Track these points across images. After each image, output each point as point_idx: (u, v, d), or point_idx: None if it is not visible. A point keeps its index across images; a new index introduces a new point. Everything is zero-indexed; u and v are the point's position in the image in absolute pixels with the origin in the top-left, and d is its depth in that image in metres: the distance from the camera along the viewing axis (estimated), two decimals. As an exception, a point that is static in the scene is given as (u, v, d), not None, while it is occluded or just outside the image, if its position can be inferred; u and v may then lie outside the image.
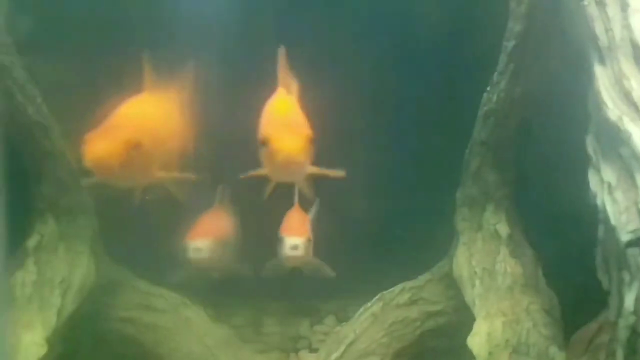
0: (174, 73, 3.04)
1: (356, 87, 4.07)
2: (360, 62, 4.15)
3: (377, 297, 3.78)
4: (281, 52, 2.61)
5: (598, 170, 2.50)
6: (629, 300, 2.16)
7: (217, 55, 3.75)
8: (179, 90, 3.06)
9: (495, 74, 3.41)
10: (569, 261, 3.27)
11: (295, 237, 2.96)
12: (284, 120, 2.13)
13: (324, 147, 2.31)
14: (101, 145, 2.28)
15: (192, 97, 3.08)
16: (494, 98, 3.44)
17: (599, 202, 2.44)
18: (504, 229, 3.50)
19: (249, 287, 4.21)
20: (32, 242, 3.43)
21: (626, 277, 2.20)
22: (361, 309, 3.80)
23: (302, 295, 4.47)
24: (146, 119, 2.59)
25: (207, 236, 3.27)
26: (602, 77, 2.54)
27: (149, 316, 3.76)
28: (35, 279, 3.32)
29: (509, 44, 3.36)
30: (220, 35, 3.94)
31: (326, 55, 3.92)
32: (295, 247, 2.92)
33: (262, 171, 2.32)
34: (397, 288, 3.81)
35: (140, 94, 2.77)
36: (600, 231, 2.43)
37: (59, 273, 3.39)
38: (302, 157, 2.01)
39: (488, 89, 3.43)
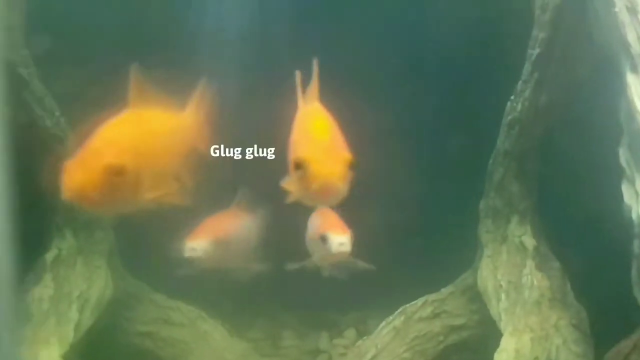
0: (187, 88, 2.85)
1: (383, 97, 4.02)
2: (391, 67, 4.08)
3: (399, 310, 3.71)
4: (316, 64, 2.37)
5: (632, 183, 2.43)
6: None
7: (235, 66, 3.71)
8: (194, 106, 2.84)
9: (520, 82, 3.36)
10: (598, 275, 3.19)
11: (341, 234, 2.95)
12: (323, 141, 1.94)
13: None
14: (79, 174, 2.03)
15: (208, 114, 2.89)
16: (518, 107, 3.38)
17: (634, 215, 2.37)
18: (529, 241, 3.43)
19: (266, 297, 4.16)
20: (50, 256, 3.41)
21: (665, 294, 2.13)
22: (383, 323, 3.73)
23: (320, 306, 4.41)
24: (132, 138, 2.23)
25: (204, 236, 3.22)
26: (634, 85, 2.47)
27: (167, 330, 3.73)
28: (53, 294, 3.29)
29: (534, 52, 3.30)
30: (233, 45, 3.92)
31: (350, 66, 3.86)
32: (342, 244, 2.93)
33: (294, 195, 2.10)
34: (420, 301, 3.74)
35: (127, 109, 2.46)
36: (636, 246, 2.36)
37: (77, 287, 3.36)
38: (343, 185, 1.82)
39: (512, 97, 3.37)
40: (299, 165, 1.85)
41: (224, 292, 4.06)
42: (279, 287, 4.39)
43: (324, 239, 2.96)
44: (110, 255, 3.58)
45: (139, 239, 3.91)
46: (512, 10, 3.54)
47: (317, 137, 1.97)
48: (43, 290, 3.28)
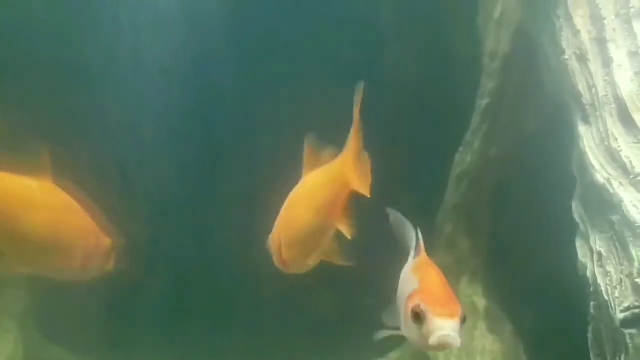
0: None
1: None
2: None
3: (343, 377, 3.54)
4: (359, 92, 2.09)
5: (587, 239, 2.35)
6: (630, 389, 1.97)
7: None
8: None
9: (469, 133, 3.30)
10: (553, 338, 3.08)
11: (448, 317, 1.81)
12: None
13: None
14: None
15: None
16: (468, 159, 3.32)
17: (589, 274, 2.27)
18: (481, 302, 3.32)
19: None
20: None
21: (624, 360, 2.02)
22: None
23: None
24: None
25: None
26: (586, 136, 2.42)
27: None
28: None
29: (483, 102, 3.26)
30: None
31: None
32: (447, 334, 1.80)
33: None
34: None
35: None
36: (592, 307, 2.26)
37: (-19, 354, 3.10)
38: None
39: (461, 149, 3.30)
40: (418, 317, 1.81)
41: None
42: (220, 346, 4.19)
43: (418, 318, 1.84)
44: (23, 318, 3.32)
45: (59, 299, 3.68)
46: (460, 58, 3.51)
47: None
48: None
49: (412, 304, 1.83)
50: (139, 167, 3.99)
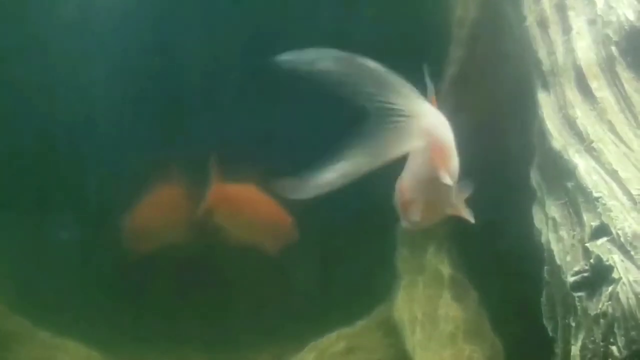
0: None
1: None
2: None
3: (309, 346, 3.63)
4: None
5: (543, 206, 2.44)
6: (575, 350, 2.07)
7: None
8: None
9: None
10: (514, 305, 3.19)
11: None
12: None
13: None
14: None
15: None
16: (435, 128, 3.38)
17: (543, 239, 2.37)
18: (446, 270, 3.42)
19: (169, 333, 4.02)
20: None
21: (572, 323, 2.12)
22: (293, 360, 3.64)
23: (231, 343, 4.29)
24: None
25: None
26: (546, 104, 2.50)
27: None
28: None
29: (451, 70, 3.33)
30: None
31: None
32: None
33: None
34: (332, 335, 3.67)
35: None
36: (546, 272, 2.36)
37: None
38: None
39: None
40: None
41: (118, 328, 3.89)
42: (185, 322, 4.27)
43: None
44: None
45: (22, 268, 3.73)
46: (429, 25, 3.56)
47: None
48: None
49: None
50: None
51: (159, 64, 4.08)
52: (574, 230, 2.22)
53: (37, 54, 3.96)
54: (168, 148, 4.00)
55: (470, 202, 3.48)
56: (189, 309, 4.28)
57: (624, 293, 1.92)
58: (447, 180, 1.94)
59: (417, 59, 3.72)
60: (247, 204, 3.69)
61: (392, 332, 3.51)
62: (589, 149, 2.27)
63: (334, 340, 3.66)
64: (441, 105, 3.33)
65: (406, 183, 1.93)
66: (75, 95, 4.02)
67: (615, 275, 1.96)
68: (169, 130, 4.11)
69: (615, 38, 2.34)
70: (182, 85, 4.20)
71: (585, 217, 2.16)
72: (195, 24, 4.12)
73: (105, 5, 3.95)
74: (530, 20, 2.58)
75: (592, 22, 2.42)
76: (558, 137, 2.38)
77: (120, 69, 4.01)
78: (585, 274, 2.10)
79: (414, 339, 3.28)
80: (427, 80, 2.04)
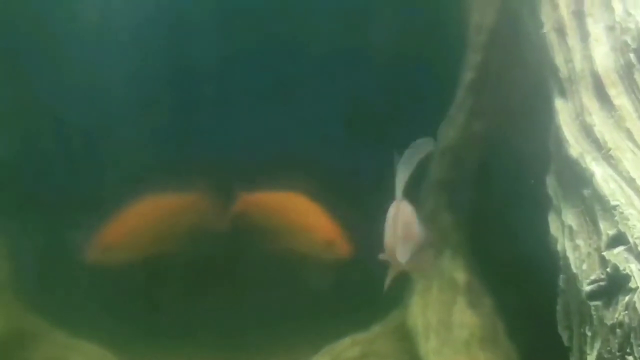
0: None
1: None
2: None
3: (322, 350, 3.62)
4: None
5: (559, 213, 2.41)
6: (591, 360, 2.05)
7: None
8: None
9: (452, 107, 3.35)
10: (529, 312, 3.17)
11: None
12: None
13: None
14: None
15: None
16: (451, 134, 3.38)
17: (559, 247, 2.35)
18: (461, 277, 3.40)
19: (181, 337, 4.03)
20: None
21: (588, 332, 2.10)
22: (307, 365, 3.64)
23: (244, 346, 4.29)
24: None
25: None
26: (562, 111, 2.48)
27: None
28: None
29: (467, 76, 3.32)
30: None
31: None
32: None
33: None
34: (346, 341, 3.66)
35: None
36: (562, 280, 2.34)
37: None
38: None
39: (443, 124, 3.37)
40: None
41: (131, 330, 3.90)
42: (198, 324, 4.28)
43: None
44: (2, 287, 3.39)
45: (44, 269, 3.76)
46: (445, 30, 3.55)
47: None
48: None
49: None
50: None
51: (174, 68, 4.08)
52: (590, 239, 2.19)
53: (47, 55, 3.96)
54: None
55: (487, 208, 3.49)
56: (202, 311, 4.29)
57: (641, 302, 1.90)
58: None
59: (434, 64, 3.75)
60: (287, 212, 3.65)
61: (406, 337, 3.50)
62: (607, 156, 2.25)
63: (348, 346, 3.65)
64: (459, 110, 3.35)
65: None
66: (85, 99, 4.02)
67: (632, 284, 1.93)
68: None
69: (633, 45, 2.32)
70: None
71: (602, 225, 2.14)
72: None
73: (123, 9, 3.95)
74: (548, 27, 2.56)
75: (610, 29, 2.40)
76: (575, 145, 2.36)
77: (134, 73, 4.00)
78: (602, 283, 2.07)
79: (428, 345, 3.27)
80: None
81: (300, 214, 3.59)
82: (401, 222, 2.35)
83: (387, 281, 2.59)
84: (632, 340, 1.90)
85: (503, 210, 3.47)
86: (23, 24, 3.83)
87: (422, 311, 3.43)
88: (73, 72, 3.91)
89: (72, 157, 4.10)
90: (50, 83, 3.93)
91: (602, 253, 2.10)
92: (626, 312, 1.93)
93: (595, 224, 2.19)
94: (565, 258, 2.28)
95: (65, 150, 4.09)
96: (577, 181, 2.32)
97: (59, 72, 3.92)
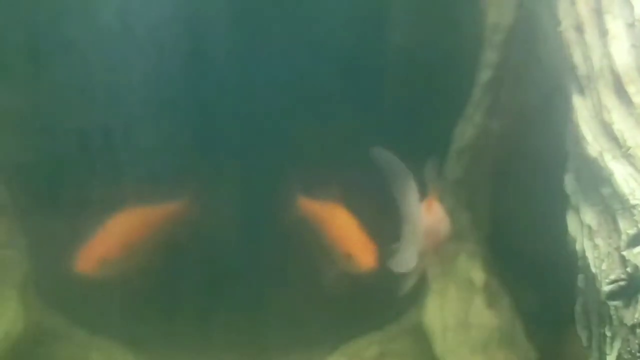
0: None
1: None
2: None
3: (338, 350, 3.61)
4: None
5: (577, 212, 2.38)
6: (611, 360, 2.01)
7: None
8: None
9: (469, 106, 3.32)
10: (548, 312, 3.14)
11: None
12: None
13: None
14: None
15: None
16: (468, 133, 3.35)
17: (578, 247, 2.31)
18: (479, 276, 3.37)
19: (200, 337, 4.03)
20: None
21: (607, 333, 2.06)
22: (323, 364, 3.62)
23: (260, 346, 4.29)
24: None
25: None
26: (581, 109, 2.44)
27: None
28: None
29: (485, 75, 3.29)
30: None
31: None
32: None
33: None
34: (363, 340, 3.64)
35: None
36: (580, 280, 2.30)
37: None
38: None
39: (461, 123, 3.34)
40: None
41: (152, 330, 3.91)
42: (216, 324, 4.27)
43: None
44: (24, 285, 3.40)
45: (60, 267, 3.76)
46: (463, 29, 3.52)
47: None
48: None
49: None
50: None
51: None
52: (610, 238, 2.16)
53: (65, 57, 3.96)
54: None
55: (505, 207, 3.45)
56: (221, 311, 4.29)
57: (661, 303, 1.87)
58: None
59: (451, 63, 3.72)
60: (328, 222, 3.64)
61: (423, 337, 3.47)
62: (626, 155, 2.21)
63: (365, 345, 3.64)
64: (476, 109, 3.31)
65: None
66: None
67: (652, 284, 1.90)
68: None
69: (653, 42, 2.28)
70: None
71: (622, 224, 2.10)
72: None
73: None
74: (566, 24, 2.52)
75: (630, 26, 2.36)
76: (594, 143, 2.32)
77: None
78: (622, 283, 2.04)
79: (445, 345, 3.24)
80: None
81: (340, 227, 3.58)
82: (431, 220, 2.44)
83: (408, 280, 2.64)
84: (653, 340, 1.87)
85: (521, 210, 3.43)
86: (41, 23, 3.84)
87: (439, 311, 3.40)
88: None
89: (90, 156, 4.10)
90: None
91: (622, 252, 2.06)
92: (646, 312, 1.89)
93: (614, 223, 2.16)
94: (584, 258, 2.24)
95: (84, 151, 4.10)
96: (596, 180, 2.29)
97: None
